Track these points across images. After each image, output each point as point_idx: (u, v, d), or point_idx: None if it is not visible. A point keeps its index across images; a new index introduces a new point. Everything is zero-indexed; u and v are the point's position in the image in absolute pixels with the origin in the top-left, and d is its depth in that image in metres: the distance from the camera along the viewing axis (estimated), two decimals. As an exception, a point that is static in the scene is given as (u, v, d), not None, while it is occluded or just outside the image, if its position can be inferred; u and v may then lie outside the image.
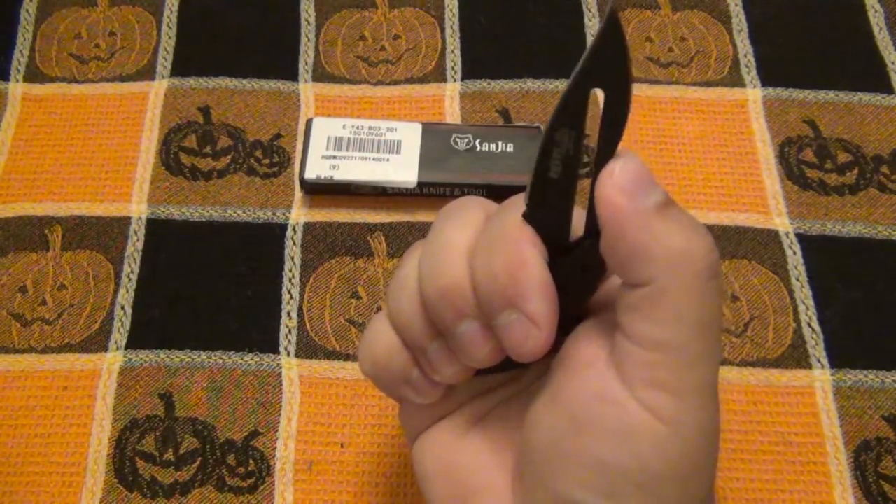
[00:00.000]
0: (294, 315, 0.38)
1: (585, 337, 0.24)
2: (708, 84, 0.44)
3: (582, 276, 0.24)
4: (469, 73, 0.44)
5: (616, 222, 0.21)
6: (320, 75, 0.44)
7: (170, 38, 0.45)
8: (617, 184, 0.21)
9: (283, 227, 0.40)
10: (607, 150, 0.22)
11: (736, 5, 0.47)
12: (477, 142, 0.40)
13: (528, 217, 0.23)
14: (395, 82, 0.44)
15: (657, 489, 0.22)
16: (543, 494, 0.23)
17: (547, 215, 0.23)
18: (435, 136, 0.41)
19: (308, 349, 0.37)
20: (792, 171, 0.42)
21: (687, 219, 0.22)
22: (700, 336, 0.22)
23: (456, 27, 0.46)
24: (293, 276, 0.39)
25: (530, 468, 0.24)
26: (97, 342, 0.37)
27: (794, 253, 0.40)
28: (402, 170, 0.40)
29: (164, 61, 0.45)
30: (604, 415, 0.22)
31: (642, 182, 0.21)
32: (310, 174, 0.40)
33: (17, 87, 0.44)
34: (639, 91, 0.44)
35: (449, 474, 0.26)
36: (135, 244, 0.40)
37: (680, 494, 0.22)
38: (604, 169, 0.21)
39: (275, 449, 0.35)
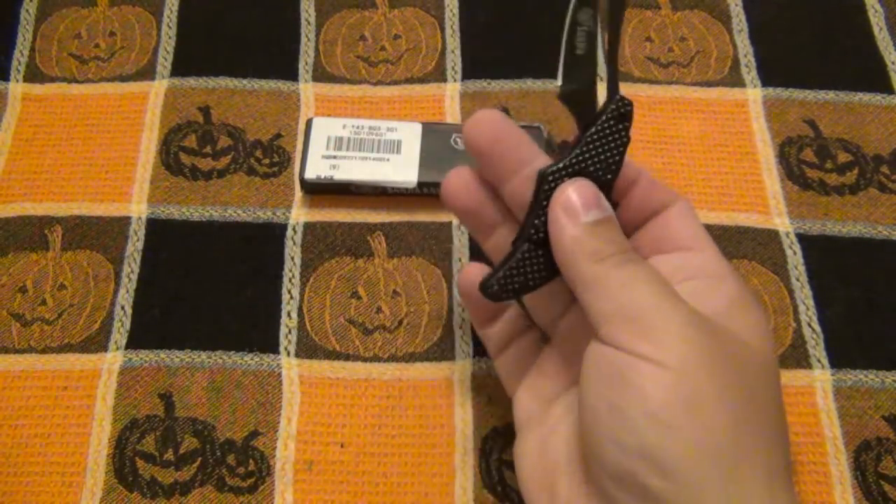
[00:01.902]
0: (294, 315, 0.38)
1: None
2: (708, 84, 0.44)
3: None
4: (469, 73, 0.44)
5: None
6: (320, 75, 0.44)
7: (170, 38, 0.45)
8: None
9: (283, 227, 0.40)
10: (615, 25, 0.27)
11: (736, 5, 0.47)
12: (477, 142, 0.40)
13: (562, 95, 0.28)
14: (395, 82, 0.44)
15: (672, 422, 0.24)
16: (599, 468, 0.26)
17: (576, 90, 0.28)
18: (435, 136, 0.41)
19: (308, 349, 0.37)
20: (792, 171, 0.42)
21: None
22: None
23: (456, 27, 0.46)
24: (293, 276, 0.39)
25: (587, 450, 0.27)
26: (97, 342, 0.37)
27: (794, 253, 0.40)
28: (402, 170, 0.40)
29: (164, 61, 0.45)
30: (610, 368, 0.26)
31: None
32: (310, 174, 0.40)
33: (17, 87, 0.44)
34: (639, 91, 0.44)
35: (542, 422, 0.31)
36: (135, 244, 0.40)
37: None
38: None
39: (275, 449, 0.35)
